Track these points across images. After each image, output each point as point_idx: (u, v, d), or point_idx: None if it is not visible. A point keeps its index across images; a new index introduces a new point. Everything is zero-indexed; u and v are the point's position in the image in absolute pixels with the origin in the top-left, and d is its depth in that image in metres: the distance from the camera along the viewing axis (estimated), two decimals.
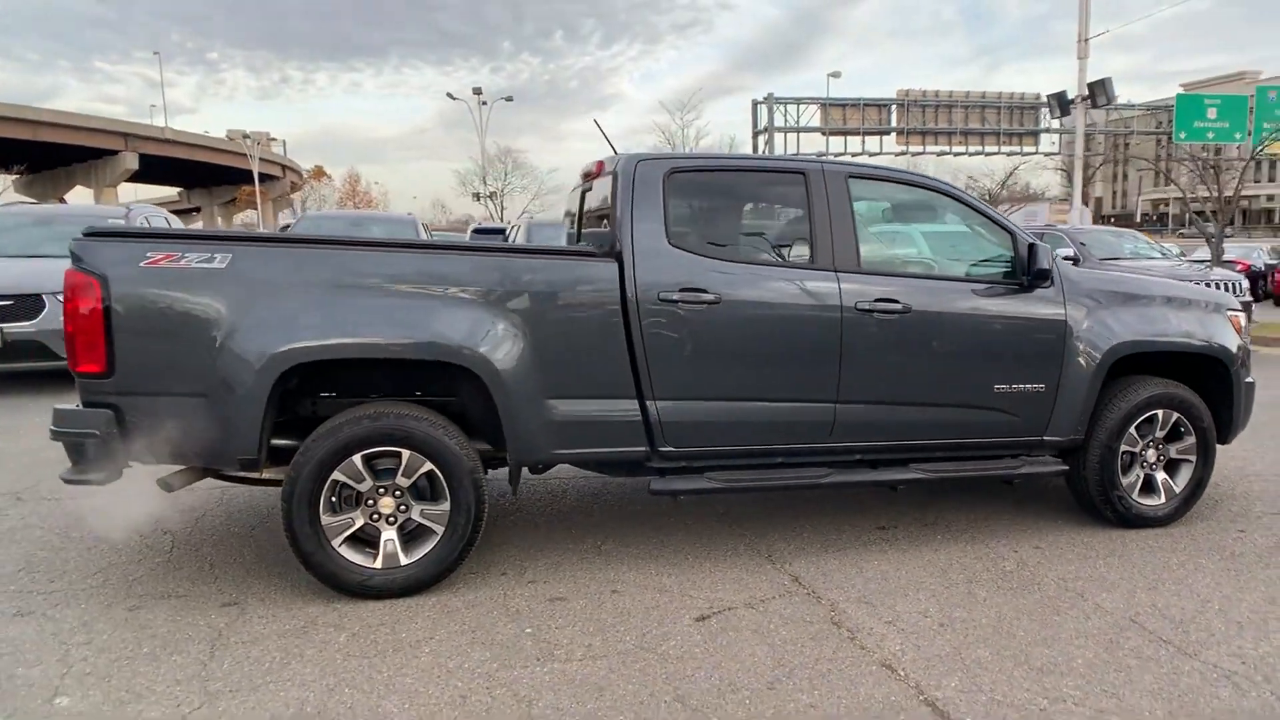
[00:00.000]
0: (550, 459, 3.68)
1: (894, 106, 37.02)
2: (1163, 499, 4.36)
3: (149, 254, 3.21)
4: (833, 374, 3.84)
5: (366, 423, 3.33)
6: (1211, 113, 27.24)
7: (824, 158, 4.41)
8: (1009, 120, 37.85)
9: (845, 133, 37.24)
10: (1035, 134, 38.56)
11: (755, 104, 37.07)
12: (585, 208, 4.50)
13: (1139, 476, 4.33)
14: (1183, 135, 25.86)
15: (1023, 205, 35.87)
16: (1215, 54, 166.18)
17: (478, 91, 45.15)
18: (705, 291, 3.66)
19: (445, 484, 3.43)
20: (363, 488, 3.38)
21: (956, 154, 38.53)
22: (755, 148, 37.18)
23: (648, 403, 3.66)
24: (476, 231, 17.96)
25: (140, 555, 3.86)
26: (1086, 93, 18.08)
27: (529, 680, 2.82)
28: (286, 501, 3.28)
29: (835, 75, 64.90)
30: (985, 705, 2.69)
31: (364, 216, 14.39)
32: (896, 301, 3.87)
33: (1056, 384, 4.12)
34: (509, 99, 46.80)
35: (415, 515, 3.46)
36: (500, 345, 3.44)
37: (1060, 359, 4.12)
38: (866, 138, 37.44)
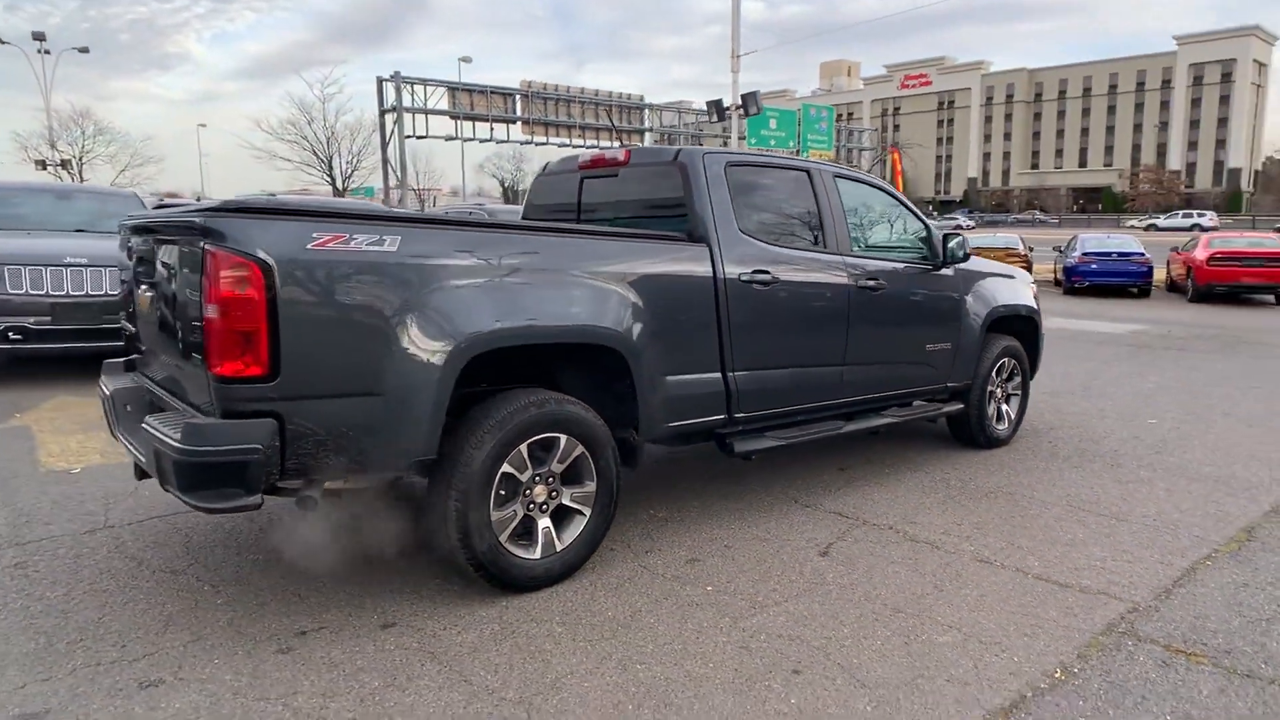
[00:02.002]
0: (662, 434, 3.87)
1: (519, 96, 38.10)
2: (1007, 425, 5.87)
3: (315, 235, 2.78)
4: (842, 341, 4.58)
5: (533, 410, 3.25)
6: (773, 123, 34.44)
7: (811, 160, 5.08)
8: (618, 117, 41.23)
9: (474, 118, 37.62)
10: (641, 132, 42.83)
11: (381, 81, 35.56)
12: (595, 198, 4.62)
13: (994, 409, 5.76)
14: (754, 140, 31.72)
15: None
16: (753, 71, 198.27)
17: (40, 37, 37.10)
18: (767, 273, 4.13)
19: (593, 465, 3.47)
20: (524, 477, 3.29)
21: (576, 145, 41.08)
22: (384, 127, 35.88)
23: (728, 374, 4.03)
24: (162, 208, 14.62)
25: (224, 584, 3.23)
26: (740, 102, 21.22)
27: (759, 625, 3.13)
28: (459, 500, 3.07)
29: (466, 60, 65.27)
30: (1041, 565, 3.65)
31: (70, 189, 11.46)
32: (876, 279, 4.73)
33: (957, 341, 5.34)
34: (85, 50, 39.08)
35: (566, 500, 3.45)
36: (635, 326, 3.57)
37: (959, 322, 5.35)
38: (495, 125, 38.24)
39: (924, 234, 5.26)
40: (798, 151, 34.59)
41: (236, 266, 2.63)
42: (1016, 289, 5.92)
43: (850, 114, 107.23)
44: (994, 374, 5.65)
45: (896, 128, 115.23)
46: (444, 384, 2.98)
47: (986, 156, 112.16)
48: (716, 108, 22.84)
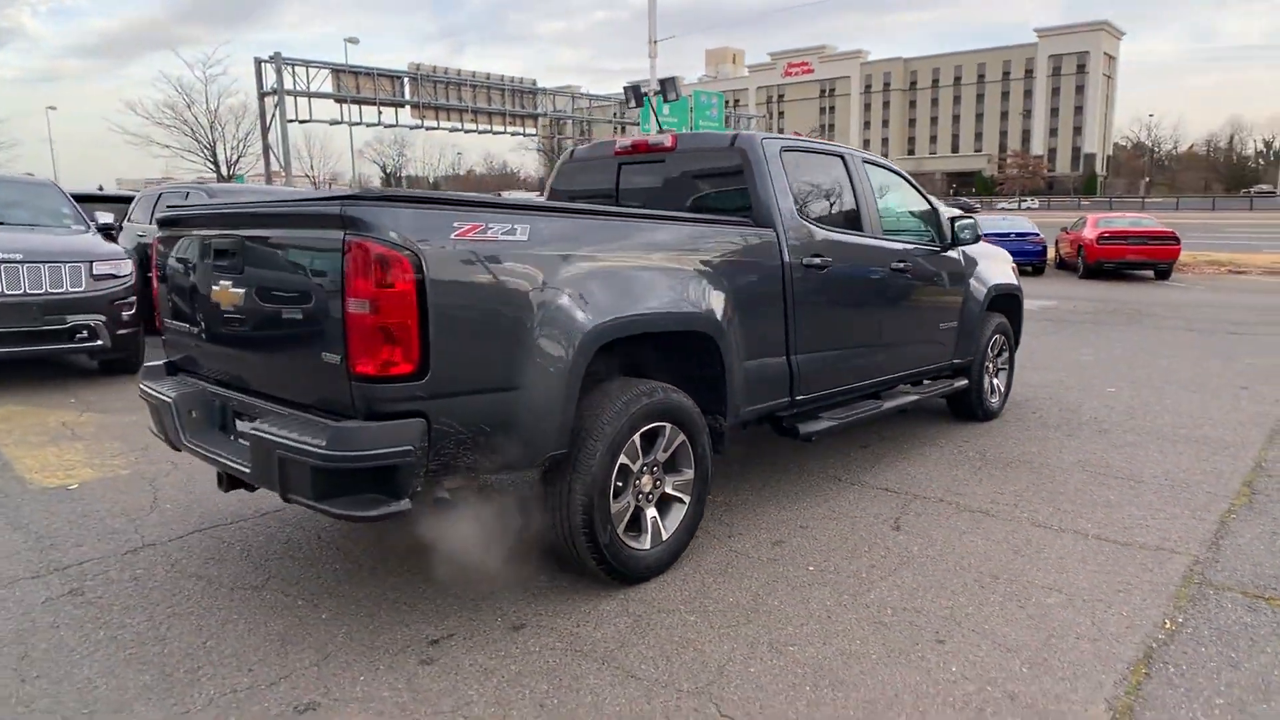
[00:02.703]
0: (740, 418, 3.89)
1: (407, 79, 36.62)
2: (998, 398, 6.19)
3: (456, 224, 2.64)
4: (879, 322, 4.72)
5: (645, 400, 3.21)
6: (666, 110, 34.52)
7: (841, 145, 5.16)
8: (511, 102, 40.36)
9: (360, 101, 36.16)
10: (534, 116, 42.21)
11: (260, 63, 33.55)
12: (636, 184, 4.57)
13: (989, 384, 6.07)
14: (645, 127, 31.16)
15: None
16: (635, 59, 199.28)
17: None
18: (823, 256, 4.21)
19: (691, 453, 3.46)
20: (635, 468, 3.25)
21: (468, 130, 40.01)
22: (264, 111, 33.99)
23: (791, 357, 4.09)
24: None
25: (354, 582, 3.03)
26: (659, 87, 21.29)
27: (878, 599, 3.22)
28: (584, 494, 3.01)
29: (353, 41, 61.98)
30: (1094, 527, 3.91)
31: None
32: (904, 260, 4.89)
33: (963, 320, 5.59)
34: None
35: (668, 489, 3.43)
36: (723, 311, 3.58)
37: (966, 302, 5.60)
38: (382, 108, 36.82)
39: (933, 216, 5.47)
40: None
41: (385, 258, 2.48)
42: (1006, 269, 6.24)
43: (737, 100, 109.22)
44: (989, 350, 5.94)
45: (781, 114, 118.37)
46: (575, 375, 2.91)
47: (866, 143, 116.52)
48: (634, 93, 22.81)
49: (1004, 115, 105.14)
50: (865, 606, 3.15)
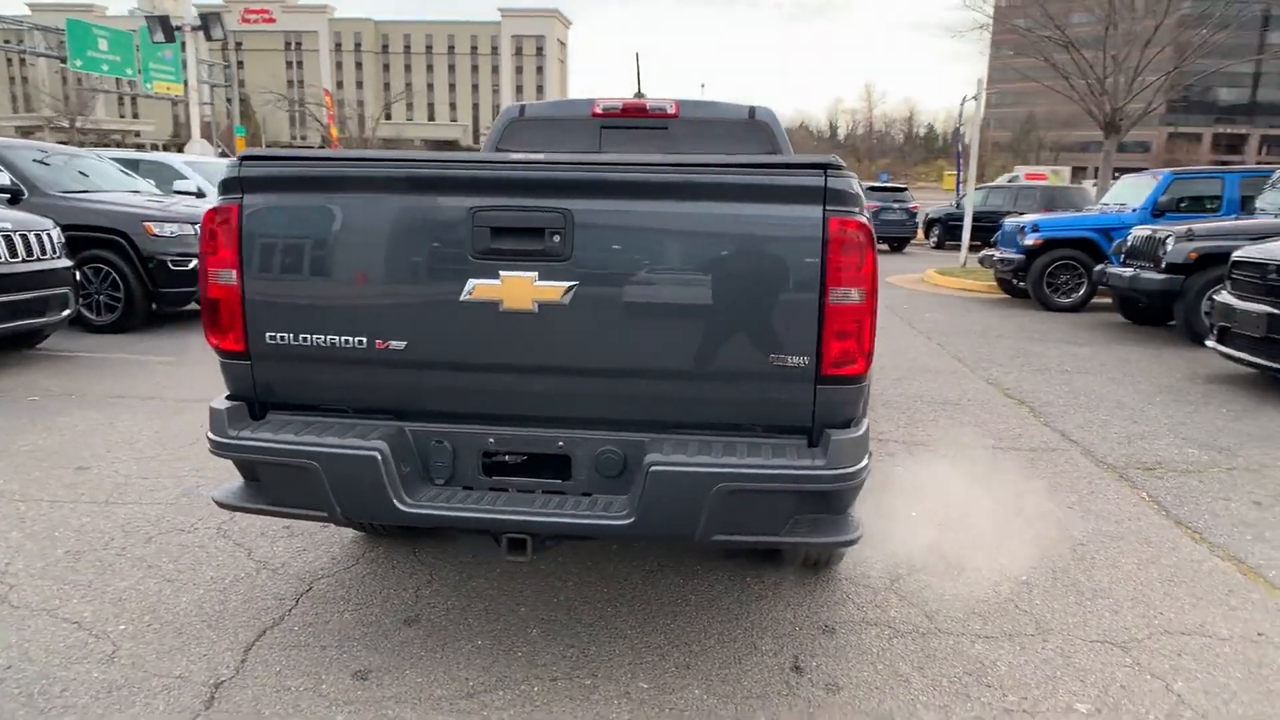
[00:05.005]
0: None
1: None
2: None
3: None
4: None
5: None
6: (103, 44, 26.63)
7: None
8: None
9: None
10: None
11: None
12: (624, 151, 4.12)
13: None
14: (79, 63, 25.27)
15: None
16: None
17: None
18: None
19: None
20: None
21: None
22: None
23: None
24: None
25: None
26: (199, 22, 17.42)
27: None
28: None
29: None
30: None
31: None
32: None
33: None
34: None
35: None
36: None
37: None
38: None
39: None
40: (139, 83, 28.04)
41: (867, 239, 2.05)
42: None
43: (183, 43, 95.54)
44: None
45: (240, 64, 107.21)
46: None
47: (341, 103, 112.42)
48: (162, 25, 18.57)
49: (475, 88, 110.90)
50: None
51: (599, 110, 4.11)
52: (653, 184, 2.05)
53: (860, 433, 2.11)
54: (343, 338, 2.17)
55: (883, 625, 2.72)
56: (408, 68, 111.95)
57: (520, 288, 2.07)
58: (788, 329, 2.05)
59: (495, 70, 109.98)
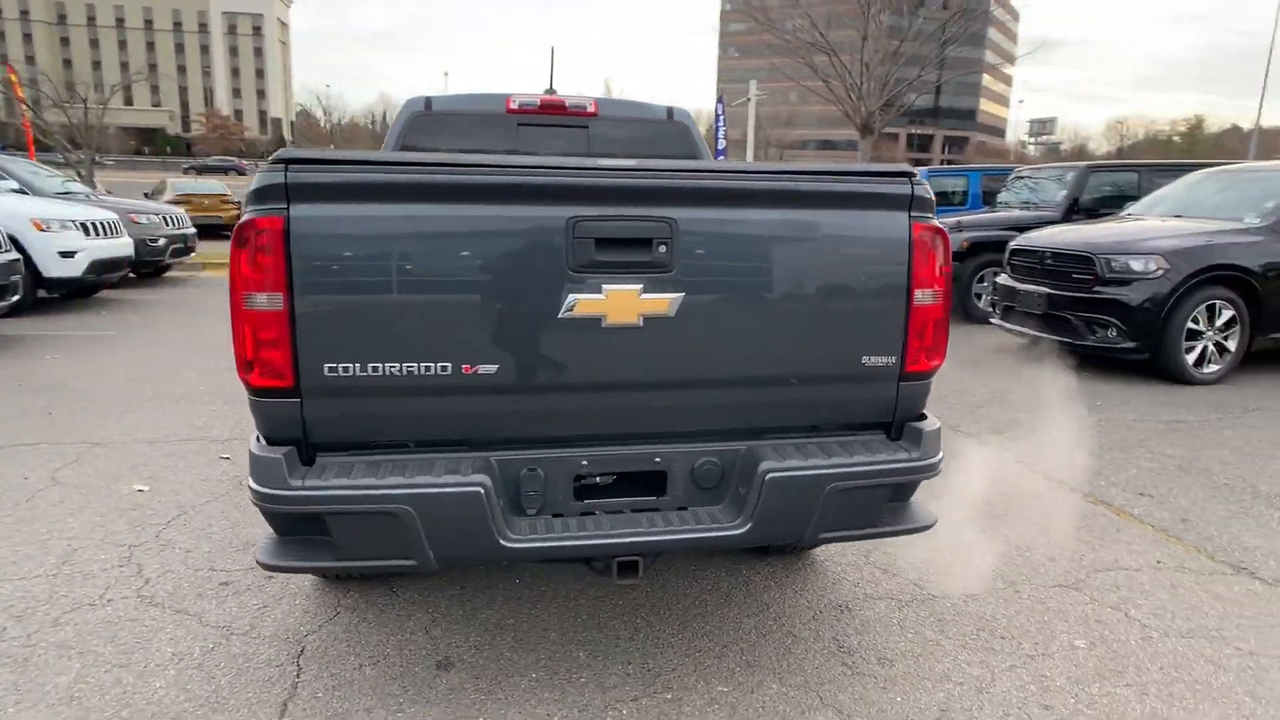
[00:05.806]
0: None
1: None
2: None
3: None
4: None
5: None
6: None
7: None
8: None
9: None
10: None
11: None
12: (541, 149, 3.98)
13: None
14: None
15: None
16: None
17: None
18: None
19: None
20: None
21: None
22: None
23: None
24: None
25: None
26: None
27: None
28: None
29: None
30: None
31: None
32: None
33: None
34: None
35: None
36: None
37: None
38: None
39: None
40: None
41: (944, 242, 2.21)
42: None
43: None
44: None
45: None
46: None
47: (35, 82, 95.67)
48: None
49: (182, 69, 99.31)
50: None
51: (514, 106, 3.95)
52: (755, 191, 2.07)
53: (938, 424, 2.28)
54: (423, 365, 1.95)
55: (888, 598, 2.94)
56: (94, 43, 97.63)
57: (626, 301, 1.99)
58: (878, 330, 2.17)
59: (205, 50, 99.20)
